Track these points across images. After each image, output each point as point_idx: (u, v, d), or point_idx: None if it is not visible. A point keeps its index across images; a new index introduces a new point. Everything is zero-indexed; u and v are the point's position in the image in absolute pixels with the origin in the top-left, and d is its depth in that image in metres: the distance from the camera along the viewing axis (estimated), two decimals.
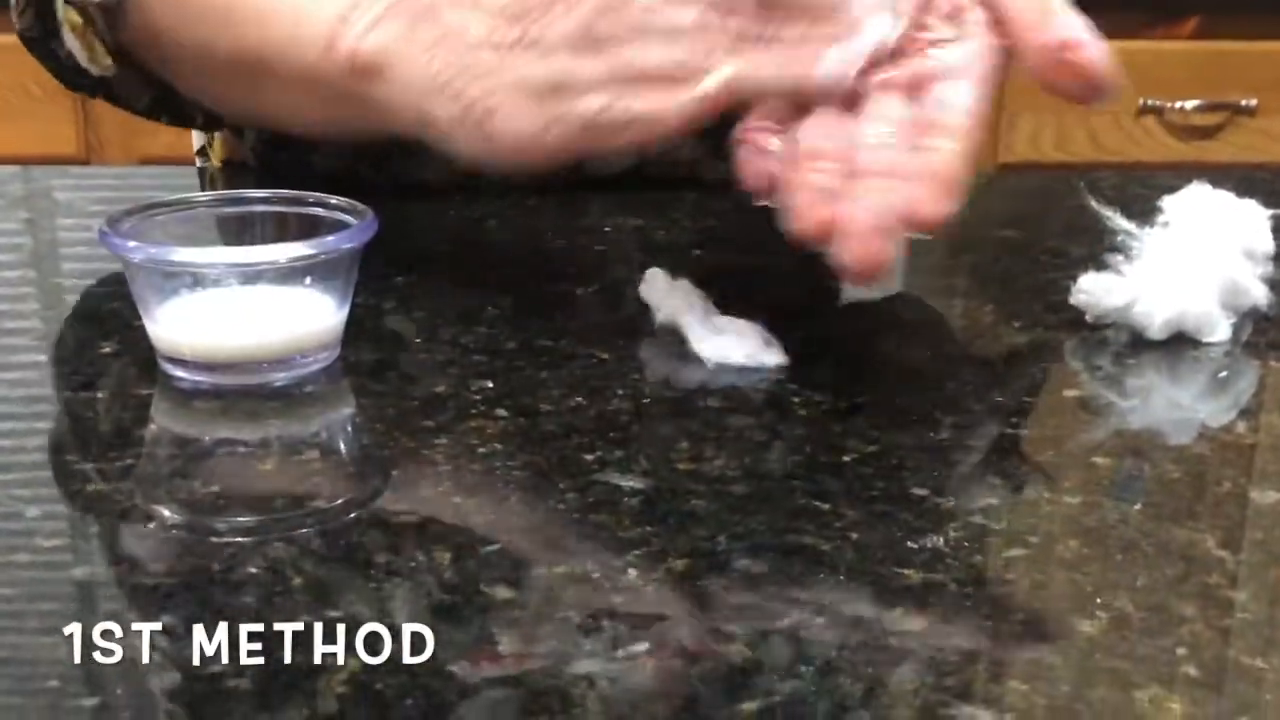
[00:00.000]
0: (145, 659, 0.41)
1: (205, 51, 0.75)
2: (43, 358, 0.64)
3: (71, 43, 0.79)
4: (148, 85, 0.82)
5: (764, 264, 0.75)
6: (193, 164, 1.01)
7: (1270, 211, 0.70)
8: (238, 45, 0.72)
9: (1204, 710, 0.40)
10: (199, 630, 0.42)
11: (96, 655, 0.41)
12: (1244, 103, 1.94)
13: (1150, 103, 1.94)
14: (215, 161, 0.97)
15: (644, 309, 0.66)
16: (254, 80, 0.72)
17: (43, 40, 0.81)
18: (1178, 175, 0.74)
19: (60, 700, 0.39)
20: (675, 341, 0.63)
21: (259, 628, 0.42)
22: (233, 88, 0.77)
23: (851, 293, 0.67)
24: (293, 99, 0.71)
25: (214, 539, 0.48)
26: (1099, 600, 0.45)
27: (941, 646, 0.42)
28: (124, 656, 0.41)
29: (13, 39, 0.82)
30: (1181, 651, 0.42)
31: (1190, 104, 1.94)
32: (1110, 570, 0.47)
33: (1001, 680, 0.41)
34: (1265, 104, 1.95)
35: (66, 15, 0.78)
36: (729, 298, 0.71)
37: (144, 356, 0.62)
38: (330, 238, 0.59)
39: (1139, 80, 1.94)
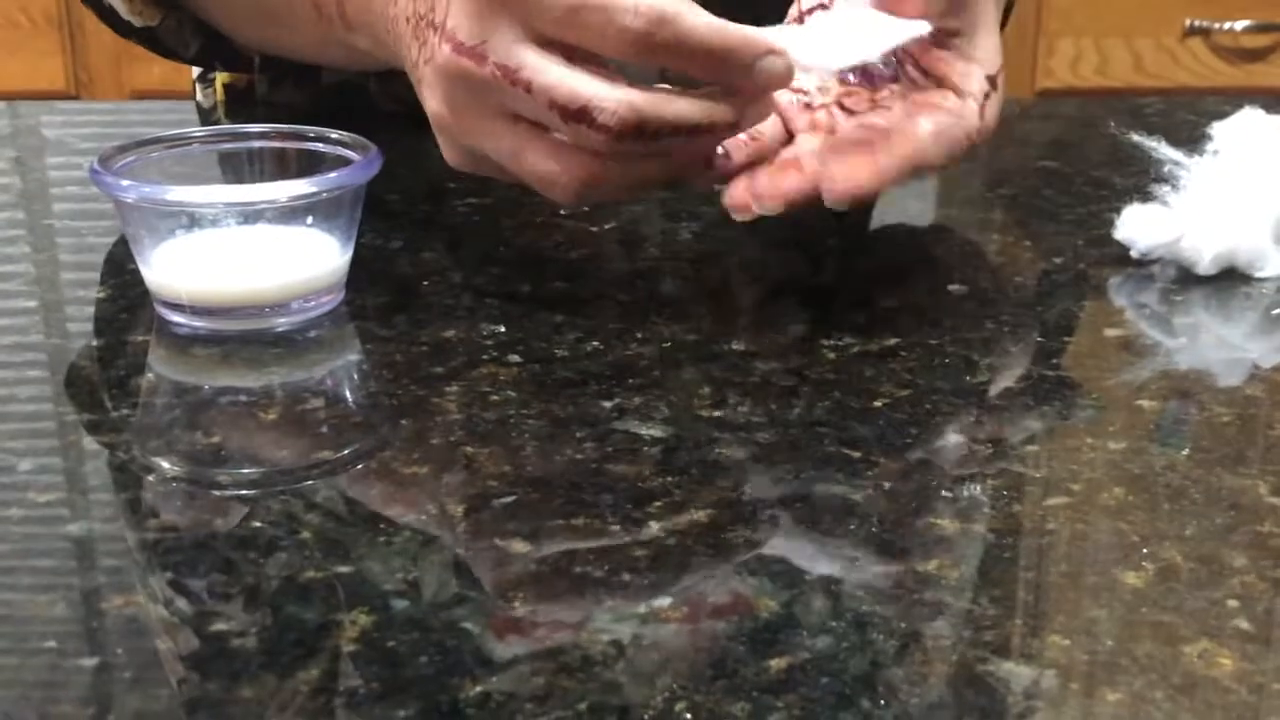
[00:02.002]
0: (146, 617, 0.42)
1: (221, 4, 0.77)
2: (33, 304, 0.64)
3: None
4: (195, 33, 0.82)
5: None
6: (188, 98, 1.01)
7: None
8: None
9: (1256, 665, 0.39)
10: (201, 587, 0.43)
11: (95, 614, 0.42)
12: None
13: (1197, 23, 1.92)
14: (219, 84, 0.97)
15: (668, 250, 0.66)
16: (273, 27, 0.75)
17: None
18: (1227, 100, 0.74)
19: (59, 660, 0.39)
20: (696, 278, 0.63)
21: (265, 584, 0.43)
22: (260, 32, 0.78)
23: None
24: (303, 41, 0.73)
25: (216, 492, 0.48)
26: (1145, 550, 0.45)
27: (978, 600, 0.42)
28: (124, 615, 0.42)
29: None
30: (1232, 604, 0.42)
31: (1240, 25, 1.92)
32: (1157, 519, 0.46)
33: (1041, 635, 0.41)
34: None
35: None
36: (751, 236, 0.70)
37: (140, 302, 0.62)
38: (333, 174, 0.59)
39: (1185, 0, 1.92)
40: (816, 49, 0.60)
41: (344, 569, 0.43)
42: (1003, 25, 0.71)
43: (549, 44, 0.55)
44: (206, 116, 0.94)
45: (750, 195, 0.60)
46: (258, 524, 0.46)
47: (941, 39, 0.62)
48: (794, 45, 0.58)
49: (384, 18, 0.62)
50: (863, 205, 0.60)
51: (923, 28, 0.60)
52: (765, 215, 0.60)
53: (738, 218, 0.60)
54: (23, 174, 0.83)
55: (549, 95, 0.55)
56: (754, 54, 0.56)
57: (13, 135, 0.90)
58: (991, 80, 0.62)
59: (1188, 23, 1.92)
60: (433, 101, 0.59)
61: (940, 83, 0.62)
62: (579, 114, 0.54)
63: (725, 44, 0.55)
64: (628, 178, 0.58)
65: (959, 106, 0.61)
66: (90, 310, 0.63)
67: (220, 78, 0.97)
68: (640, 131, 0.55)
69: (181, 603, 0.42)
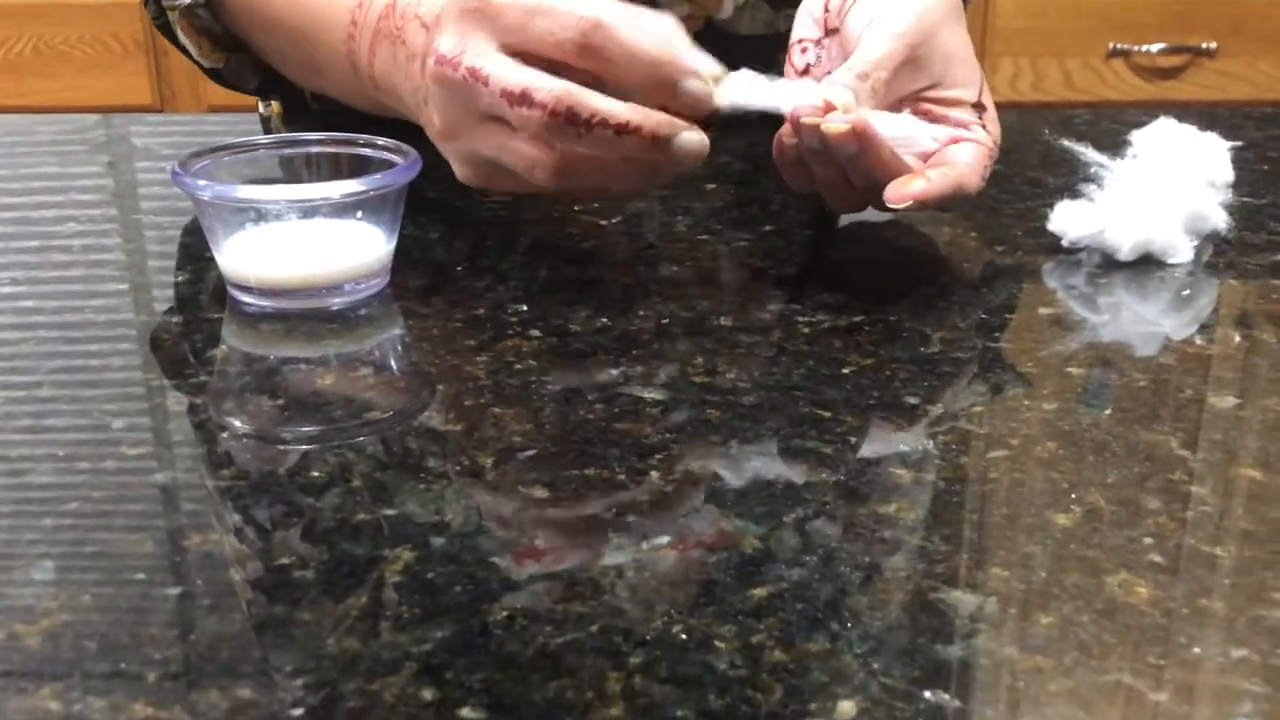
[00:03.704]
0: (221, 552, 0.42)
1: (276, 55, 0.77)
2: (124, 286, 0.64)
3: (183, 38, 0.79)
4: (255, 71, 0.82)
5: (771, 198, 0.75)
6: (255, 111, 1.01)
7: (1230, 143, 0.69)
8: (296, 56, 0.74)
9: (1168, 593, 0.39)
10: (267, 526, 0.43)
11: (178, 550, 0.42)
12: (1205, 45, 1.91)
13: (1119, 46, 1.92)
14: (276, 106, 0.96)
15: (665, 239, 0.66)
16: (318, 77, 0.74)
17: (169, 27, 0.81)
18: (1145, 112, 0.73)
19: (147, 590, 0.39)
20: (690, 263, 0.63)
21: (321, 523, 0.43)
22: (307, 81, 0.78)
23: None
24: (344, 95, 0.73)
25: (280, 446, 0.48)
26: (1073, 496, 0.45)
27: (930, 538, 0.42)
28: (202, 551, 0.42)
29: None
30: (1148, 541, 0.42)
31: (1156, 47, 1.91)
32: (1083, 469, 0.46)
33: (984, 568, 0.41)
34: (1225, 47, 1.92)
35: (171, 15, 0.78)
36: (738, 227, 0.70)
37: (214, 285, 0.61)
38: (379, 175, 0.58)
39: (1109, 25, 1.91)
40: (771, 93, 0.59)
41: (389, 511, 0.43)
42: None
43: (516, 54, 0.56)
44: (266, 124, 0.94)
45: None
46: (315, 473, 0.46)
47: (919, 94, 0.62)
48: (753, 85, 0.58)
49: (405, 75, 0.62)
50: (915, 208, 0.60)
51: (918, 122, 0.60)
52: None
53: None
54: (115, 176, 0.82)
55: (500, 85, 0.55)
56: (680, 70, 0.55)
57: (106, 143, 0.90)
58: (977, 105, 0.62)
59: (1111, 45, 1.92)
60: (434, 120, 0.59)
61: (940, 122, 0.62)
62: (521, 97, 0.55)
63: (652, 53, 0.55)
64: (590, 171, 0.57)
65: (972, 137, 0.61)
66: (171, 292, 0.63)
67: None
68: (574, 116, 0.55)
69: (251, 539, 0.42)
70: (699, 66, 0.56)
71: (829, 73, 0.62)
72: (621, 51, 0.55)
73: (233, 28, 0.79)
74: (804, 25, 0.66)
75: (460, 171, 0.61)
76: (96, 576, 0.40)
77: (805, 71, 0.65)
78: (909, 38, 0.60)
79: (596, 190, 0.66)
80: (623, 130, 0.55)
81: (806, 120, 0.57)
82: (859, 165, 0.58)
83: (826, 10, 0.65)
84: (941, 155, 0.61)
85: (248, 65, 0.82)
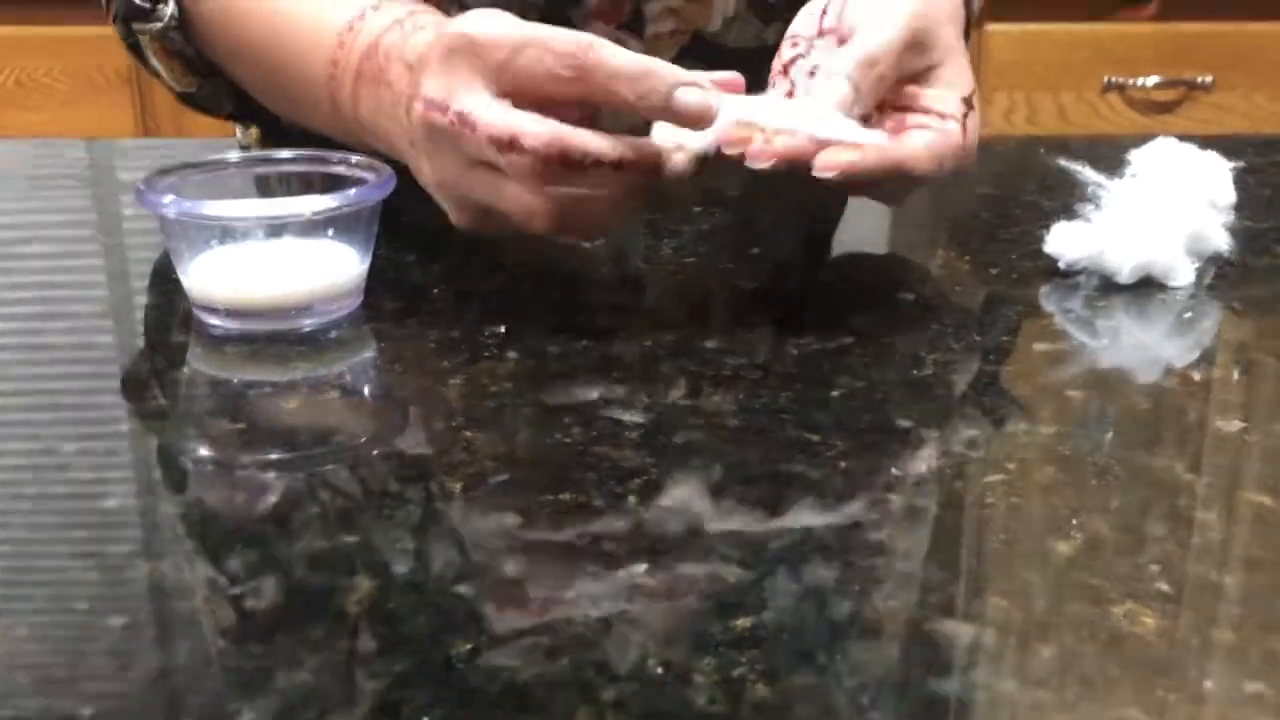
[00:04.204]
0: (171, 581, 0.39)
1: (253, 85, 0.75)
2: (90, 308, 0.62)
3: (155, 62, 0.78)
4: (228, 97, 0.80)
5: (760, 219, 0.73)
6: (235, 138, 0.99)
7: (1232, 163, 0.68)
8: (275, 89, 0.72)
9: (1175, 623, 0.37)
10: (221, 554, 0.40)
11: (124, 578, 0.39)
12: (1200, 79, 1.91)
13: (1114, 80, 1.91)
14: (255, 132, 0.95)
15: (651, 262, 0.64)
16: (296, 109, 0.72)
17: (139, 51, 0.79)
18: (1142, 141, 0.72)
19: (91, 620, 0.37)
20: (676, 286, 0.61)
21: (279, 552, 0.40)
22: (285, 113, 0.76)
23: None
24: (326, 130, 0.70)
25: (238, 471, 0.46)
26: (1074, 522, 0.43)
27: (925, 566, 0.40)
28: (149, 580, 0.39)
29: (76, 31, 0.81)
30: (1153, 569, 0.40)
31: (1151, 81, 1.91)
32: (1084, 494, 0.44)
33: (982, 597, 0.39)
34: (1220, 80, 1.91)
35: (142, 39, 0.76)
36: (724, 249, 0.68)
37: (181, 307, 0.59)
38: (351, 192, 0.57)
39: (1104, 59, 1.90)
40: (766, 111, 0.57)
41: (350, 538, 0.41)
42: (966, 37, 0.68)
43: (506, 95, 0.54)
44: (249, 146, 0.92)
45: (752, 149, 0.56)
46: (273, 499, 0.44)
47: (917, 75, 0.60)
48: (746, 105, 0.56)
49: (393, 118, 0.60)
50: (843, 185, 0.56)
51: (880, 136, 0.58)
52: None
53: (737, 154, 0.56)
54: (91, 198, 0.81)
55: (488, 131, 0.53)
56: (670, 82, 0.54)
57: (85, 167, 0.88)
58: (967, 101, 0.60)
59: (1106, 79, 1.91)
60: (425, 167, 0.57)
61: (922, 113, 0.60)
62: (510, 143, 0.53)
63: (643, 68, 0.53)
64: (584, 211, 0.56)
65: (942, 126, 0.59)
66: (138, 314, 0.61)
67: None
68: (566, 158, 0.53)
69: (202, 569, 0.40)
70: (688, 75, 0.55)
71: (816, 68, 0.61)
72: (616, 69, 0.53)
73: (207, 53, 0.77)
74: (801, 22, 0.65)
75: (456, 217, 0.59)
76: (36, 605, 0.38)
77: (790, 63, 0.64)
78: (913, 22, 0.59)
79: (593, 231, 0.63)
80: (616, 166, 0.53)
81: (730, 151, 0.56)
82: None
83: (824, 12, 0.64)
84: (892, 136, 0.59)
85: (222, 90, 0.81)
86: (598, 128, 0.55)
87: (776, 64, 0.65)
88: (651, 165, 0.54)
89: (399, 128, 0.59)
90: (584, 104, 0.56)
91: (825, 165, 0.55)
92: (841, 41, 0.61)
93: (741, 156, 0.55)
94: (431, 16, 0.61)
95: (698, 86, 0.54)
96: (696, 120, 0.55)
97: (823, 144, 0.56)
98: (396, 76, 0.59)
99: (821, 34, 0.64)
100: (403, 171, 0.59)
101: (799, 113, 0.57)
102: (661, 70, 0.54)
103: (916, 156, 0.57)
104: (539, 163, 0.53)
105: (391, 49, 0.60)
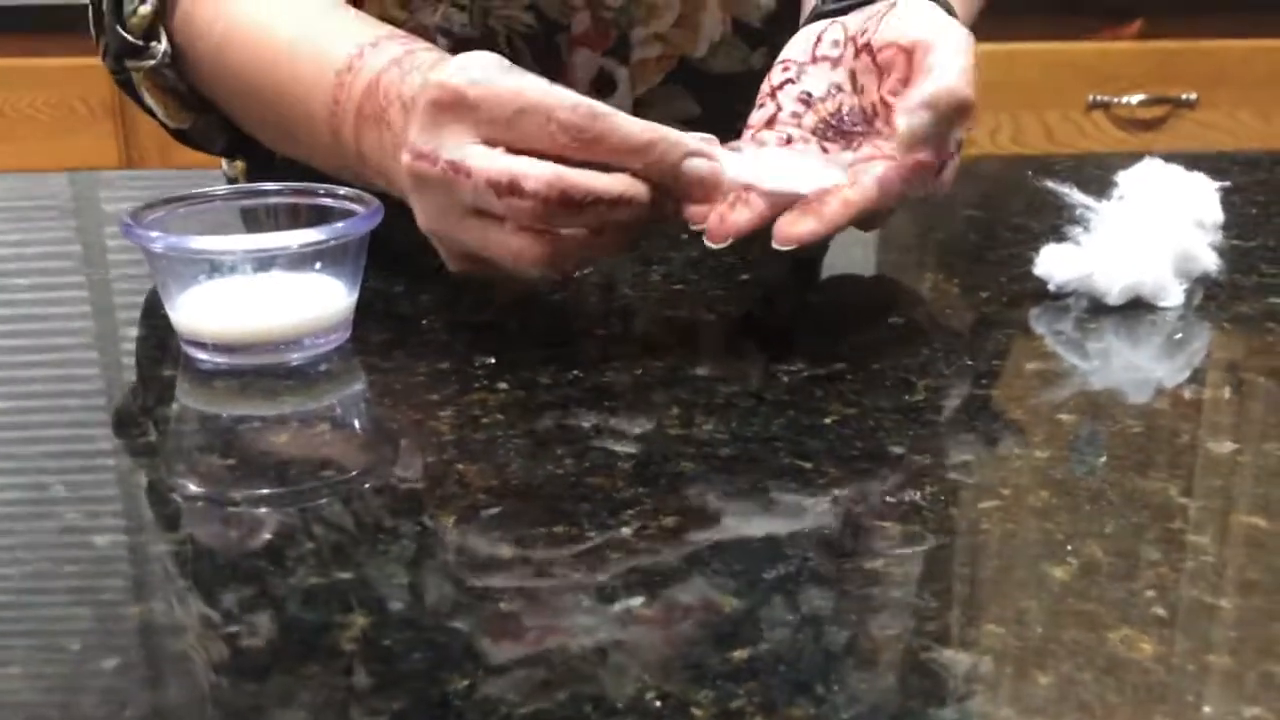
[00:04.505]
0: (163, 621, 0.39)
1: (248, 122, 0.75)
2: (77, 343, 0.62)
3: (148, 99, 0.78)
4: (222, 131, 0.80)
5: (748, 247, 0.73)
6: (220, 169, 0.99)
7: (1219, 183, 0.68)
8: (273, 126, 0.72)
9: (1172, 648, 0.37)
10: (215, 593, 0.40)
11: (116, 619, 0.39)
12: (1185, 97, 1.92)
13: (1099, 98, 1.92)
14: (240, 165, 0.95)
15: (640, 290, 0.64)
16: (293, 145, 0.72)
17: (131, 84, 0.79)
18: (1128, 160, 0.72)
19: (82, 662, 0.37)
20: (665, 314, 0.61)
21: (272, 589, 0.40)
22: (281, 147, 0.76)
23: None
24: (325, 167, 0.70)
25: (230, 508, 0.46)
26: (1069, 547, 0.43)
27: (920, 594, 0.40)
28: (142, 620, 0.39)
29: (59, 61, 0.81)
30: (1150, 594, 0.40)
31: (1136, 99, 1.92)
32: (1079, 519, 0.44)
33: (978, 625, 0.39)
34: (1205, 98, 1.92)
35: (135, 76, 0.76)
36: (714, 276, 0.69)
37: (170, 341, 0.59)
38: (338, 224, 0.57)
39: (1088, 77, 1.91)
40: (751, 168, 0.57)
41: (344, 575, 0.41)
42: None
43: (496, 145, 0.54)
44: (232, 184, 0.92)
45: (714, 227, 0.57)
46: (266, 535, 0.44)
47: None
48: (729, 161, 0.56)
49: (394, 159, 0.60)
50: (809, 248, 0.57)
51: (840, 177, 0.58)
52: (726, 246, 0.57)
53: (712, 245, 0.57)
54: (78, 232, 0.81)
55: (484, 176, 0.53)
56: (680, 153, 0.54)
57: (72, 203, 0.88)
58: (957, 142, 0.60)
59: (1091, 97, 1.92)
60: (417, 213, 0.57)
61: (881, 138, 0.60)
62: (510, 187, 0.53)
63: (651, 137, 0.53)
64: (580, 249, 0.56)
65: (894, 155, 0.59)
66: (126, 349, 0.61)
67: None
68: (567, 199, 0.53)
69: (195, 607, 0.40)
70: (695, 144, 0.55)
71: (807, 94, 0.62)
72: (624, 140, 0.53)
73: (200, 90, 0.77)
74: (794, 48, 0.65)
75: (452, 264, 0.59)
76: (28, 646, 0.38)
77: (780, 87, 0.64)
78: (968, 42, 0.60)
79: (580, 267, 0.63)
80: (617, 203, 0.54)
81: (697, 226, 0.56)
82: None
83: (818, 41, 0.64)
84: (852, 173, 0.59)
85: (215, 125, 0.80)
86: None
87: (766, 86, 0.65)
88: (648, 200, 0.54)
89: (400, 167, 0.59)
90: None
91: (784, 238, 0.56)
92: (880, 64, 0.61)
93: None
94: (430, 55, 0.60)
95: (706, 157, 0.55)
96: (706, 188, 0.55)
97: (778, 205, 0.56)
98: (395, 117, 0.59)
99: (814, 60, 0.64)
100: (393, 204, 0.60)
101: (759, 164, 0.57)
102: (671, 138, 0.54)
103: (877, 197, 0.57)
104: (539, 205, 0.53)
105: (390, 88, 0.60)
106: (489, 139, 0.54)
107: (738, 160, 0.57)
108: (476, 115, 0.53)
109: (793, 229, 0.56)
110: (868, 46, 0.62)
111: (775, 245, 0.56)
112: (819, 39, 0.64)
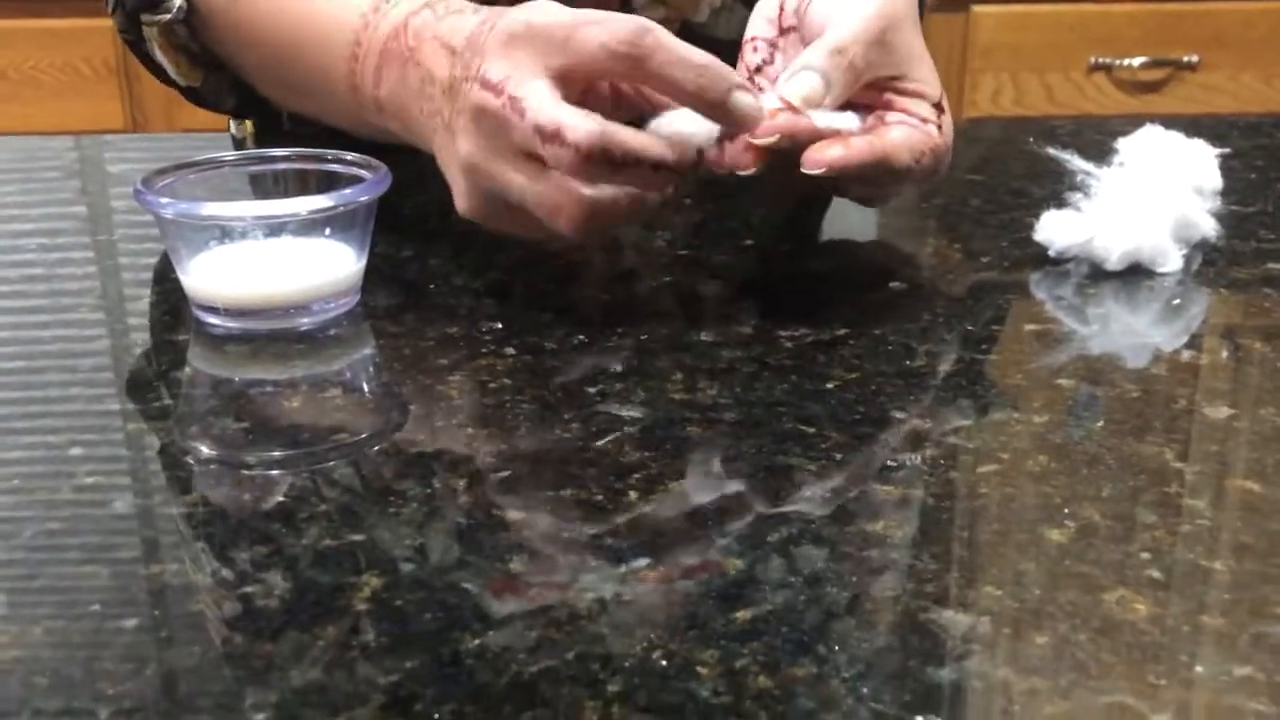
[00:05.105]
0: (181, 582, 0.40)
1: (260, 75, 0.75)
2: (88, 309, 0.62)
3: (159, 56, 0.78)
4: (232, 91, 0.81)
5: (750, 214, 0.74)
6: (227, 132, 0.99)
7: (1218, 150, 0.69)
8: (286, 76, 0.72)
9: (1167, 609, 0.38)
10: (230, 554, 0.41)
11: (135, 580, 0.40)
12: (1186, 59, 1.91)
13: (1100, 60, 1.91)
14: (249, 126, 0.95)
15: (644, 256, 0.65)
16: (307, 99, 0.73)
17: (139, 44, 0.79)
18: (1129, 122, 0.72)
19: (102, 622, 0.38)
20: (669, 279, 0.62)
21: (287, 550, 0.41)
22: (294, 102, 0.76)
23: None
24: (335, 117, 0.71)
25: (244, 471, 0.47)
26: (1066, 510, 0.43)
27: (920, 556, 0.41)
28: (161, 581, 0.40)
29: (64, 23, 0.81)
30: (1145, 556, 0.41)
31: (1137, 61, 1.91)
32: (1076, 483, 0.45)
33: (976, 586, 0.40)
34: (1206, 60, 1.92)
35: (148, 31, 0.76)
36: (717, 242, 0.69)
37: (180, 306, 0.60)
38: (347, 190, 0.57)
39: (1089, 40, 1.91)
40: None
41: (357, 537, 0.42)
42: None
43: (565, 80, 0.54)
44: (239, 146, 0.92)
45: (740, 152, 0.57)
46: (280, 498, 0.44)
47: (883, 84, 0.60)
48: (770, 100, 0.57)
49: (419, 96, 0.60)
50: (834, 176, 0.57)
51: (853, 120, 0.59)
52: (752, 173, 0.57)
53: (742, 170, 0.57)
54: (86, 198, 0.81)
55: (534, 119, 0.53)
56: (727, 84, 0.54)
57: (77, 165, 0.88)
58: (937, 106, 0.61)
59: (1092, 60, 1.92)
60: (465, 145, 0.57)
61: (900, 112, 0.60)
62: (554, 135, 0.53)
63: (705, 60, 0.54)
64: (616, 206, 0.56)
65: (921, 126, 0.60)
66: (138, 315, 0.62)
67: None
68: (607, 155, 0.53)
69: (212, 568, 0.41)
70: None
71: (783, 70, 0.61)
72: (672, 58, 0.54)
73: (212, 46, 0.77)
74: (757, 24, 0.66)
75: (463, 204, 0.59)
76: (49, 609, 0.39)
77: (757, 70, 0.64)
78: (879, 20, 0.59)
79: (607, 230, 0.63)
80: (655, 166, 0.54)
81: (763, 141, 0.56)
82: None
83: (782, 10, 0.64)
84: (872, 130, 0.60)
85: (225, 84, 0.81)
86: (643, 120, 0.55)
87: (742, 68, 0.65)
88: (687, 166, 0.55)
89: (430, 106, 0.59)
90: (636, 93, 0.56)
91: (813, 162, 0.56)
92: (806, 42, 0.61)
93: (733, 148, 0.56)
94: (464, 0, 0.62)
95: (752, 91, 0.55)
96: (747, 125, 0.55)
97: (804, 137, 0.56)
98: (429, 55, 0.59)
99: (783, 33, 0.64)
100: (399, 165, 0.60)
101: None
102: (722, 68, 0.55)
103: (897, 148, 0.58)
104: (580, 158, 0.53)
105: (424, 29, 0.60)
106: (554, 69, 0.54)
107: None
108: (545, 42, 0.54)
109: (822, 154, 0.56)
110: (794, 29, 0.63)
111: (804, 169, 0.56)
112: (781, 9, 0.65)
